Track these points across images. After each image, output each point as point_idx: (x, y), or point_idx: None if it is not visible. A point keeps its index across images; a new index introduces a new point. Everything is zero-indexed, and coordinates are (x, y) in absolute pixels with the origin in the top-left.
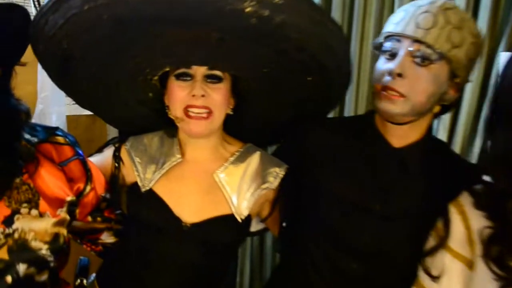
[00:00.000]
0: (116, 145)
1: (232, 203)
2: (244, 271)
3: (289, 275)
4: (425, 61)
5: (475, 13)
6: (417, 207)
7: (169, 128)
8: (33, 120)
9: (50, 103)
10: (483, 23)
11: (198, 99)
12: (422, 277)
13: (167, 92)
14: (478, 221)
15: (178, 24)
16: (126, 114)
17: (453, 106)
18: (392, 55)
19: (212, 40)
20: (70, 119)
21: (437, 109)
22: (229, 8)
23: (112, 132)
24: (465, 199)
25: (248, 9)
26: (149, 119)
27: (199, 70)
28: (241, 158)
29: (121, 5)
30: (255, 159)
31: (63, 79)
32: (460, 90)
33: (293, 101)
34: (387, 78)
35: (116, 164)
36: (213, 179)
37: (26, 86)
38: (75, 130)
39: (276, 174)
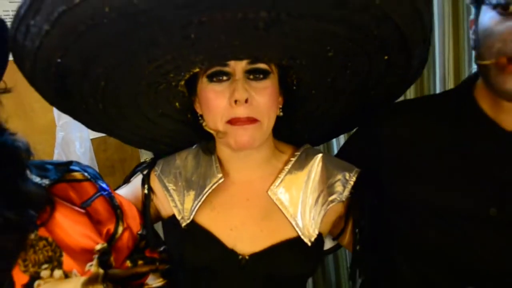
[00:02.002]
0: (144, 173)
1: (296, 224)
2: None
3: None
4: None
5: None
6: None
7: (204, 141)
8: (56, 150)
9: (71, 129)
10: None
11: (241, 106)
12: None
13: (199, 99)
14: None
15: (218, 5)
16: (147, 132)
17: None
18: (507, 9)
19: (261, 23)
20: (97, 142)
21: None
22: None
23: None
24: None
25: None
26: (176, 134)
27: (239, 66)
28: (299, 165)
29: None
30: (316, 164)
31: (63, 101)
32: None
33: (357, 88)
34: None
35: (146, 192)
36: (269, 199)
37: (46, 114)
38: (105, 152)
39: (345, 181)
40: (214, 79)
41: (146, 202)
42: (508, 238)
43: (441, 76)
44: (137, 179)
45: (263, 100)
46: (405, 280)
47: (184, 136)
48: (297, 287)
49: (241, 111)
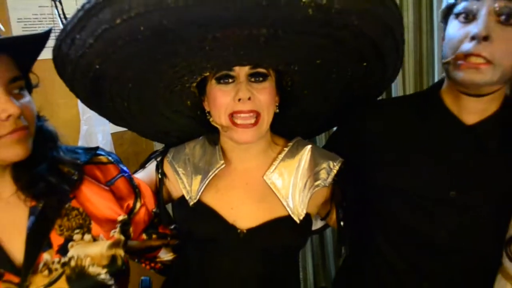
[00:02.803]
0: (158, 159)
1: (287, 204)
2: (307, 267)
3: (358, 273)
4: None
5: None
6: (500, 190)
7: (210, 134)
8: (80, 142)
9: (94, 123)
10: None
11: (245, 103)
12: (508, 265)
13: (207, 98)
14: None
15: (229, 25)
16: (162, 126)
17: None
18: (469, 17)
19: (261, 37)
20: (115, 136)
21: None
22: (285, 1)
23: (159, 143)
24: None
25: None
26: (186, 128)
27: (242, 70)
28: (291, 154)
29: (160, 13)
30: (305, 154)
31: (94, 100)
32: None
33: (342, 87)
34: (467, 45)
35: (159, 176)
36: (264, 183)
37: (69, 110)
38: (121, 146)
39: (329, 170)
40: (222, 81)
41: (159, 184)
42: (466, 218)
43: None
44: (152, 165)
45: (263, 97)
46: (384, 257)
47: (192, 130)
48: (288, 258)
49: (245, 106)
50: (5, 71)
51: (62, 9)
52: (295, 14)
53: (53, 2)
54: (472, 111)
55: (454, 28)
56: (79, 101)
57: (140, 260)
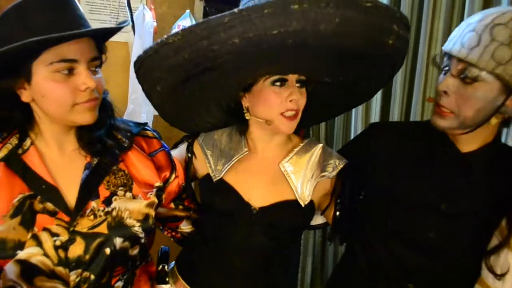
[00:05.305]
0: (189, 140)
1: (296, 190)
2: (306, 268)
3: (353, 271)
4: (469, 79)
5: None
6: (481, 207)
7: (240, 125)
8: (125, 117)
9: (140, 103)
10: None
11: (294, 103)
12: (486, 275)
13: (252, 96)
14: None
15: (291, 70)
16: (199, 119)
17: None
18: (447, 72)
19: (332, 57)
20: (155, 118)
21: (495, 121)
22: (379, 41)
23: None
24: None
25: (391, 42)
26: (216, 121)
27: (294, 77)
28: (304, 150)
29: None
30: (317, 150)
31: (177, 86)
32: None
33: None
34: (440, 94)
35: (189, 156)
36: (279, 170)
37: (117, 89)
38: (157, 128)
39: (335, 166)
40: (276, 83)
41: (188, 162)
42: (450, 225)
43: None
44: (183, 146)
45: (303, 99)
46: (376, 251)
47: (219, 122)
48: (291, 237)
49: (293, 105)
50: (88, 51)
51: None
52: (378, 51)
53: None
54: (461, 142)
55: (440, 77)
56: (130, 82)
57: (163, 228)
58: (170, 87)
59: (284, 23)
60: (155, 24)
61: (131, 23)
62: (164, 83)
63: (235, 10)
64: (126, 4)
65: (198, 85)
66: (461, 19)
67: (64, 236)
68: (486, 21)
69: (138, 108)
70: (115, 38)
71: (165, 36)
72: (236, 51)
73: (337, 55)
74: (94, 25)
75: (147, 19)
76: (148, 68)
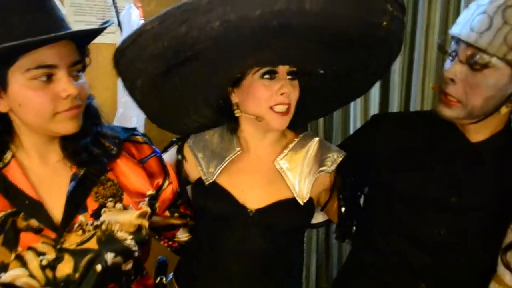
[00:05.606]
0: (179, 144)
1: (293, 187)
2: (310, 267)
3: (359, 269)
4: (478, 65)
5: None
6: (493, 200)
7: (230, 124)
8: (115, 123)
9: (130, 106)
10: None
11: (285, 96)
12: (502, 272)
13: (241, 91)
14: None
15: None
16: (188, 119)
17: None
18: (454, 57)
19: (322, 44)
20: (147, 121)
21: (505, 110)
22: (372, 22)
23: None
24: None
25: (385, 23)
26: (205, 120)
27: (284, 68)
28: (300, 145)
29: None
30: (314, 145)
31: (158, 82)
32: None
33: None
34: (446, 82)
35: (179, 159)
36: (275, 168)
37: (105, 92)
38: (149, 132)
39: (334, 159)
40: (266, 76)
41: (179, 166)
42: (462, 220)
43: None
44: (173, 149)
45: (295, 92)
46: (383, 257)
47: (209, 122)
48: (291, 238)
49: (284, 99)
50: (69, 56)
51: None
52: (375, 32)
53: None
54: (471, 131)
55: (447, 62)
56: (119, 85)
57: (160, 238)
58: (151, 80)
59: (267, 1)
60: (142, 22)
61: (117, 23)
62: (145, 75)
63: None
64: (110, 4)
65: (179, 78)
66: (459, 4)
67: (51, 255)
68: (498, 2)
69: (128, 111)
70: (101, 39)
71: (143, 23)
72: (217, 37)
73: (327, 41)
74: (80, 26)
75: (133, 17)
76: (128, 59)
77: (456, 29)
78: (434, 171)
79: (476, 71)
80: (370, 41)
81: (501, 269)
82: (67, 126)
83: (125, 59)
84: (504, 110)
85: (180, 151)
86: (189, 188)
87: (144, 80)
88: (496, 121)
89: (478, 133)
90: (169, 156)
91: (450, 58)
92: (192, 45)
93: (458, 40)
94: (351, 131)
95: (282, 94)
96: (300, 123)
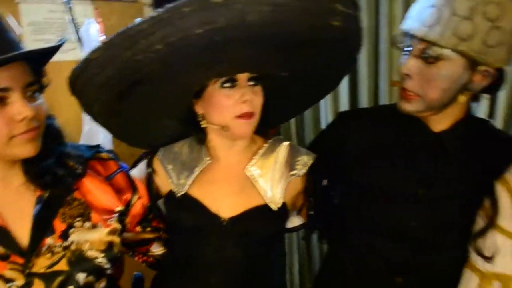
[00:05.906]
0: (149, 157)
1: (266, 194)
2: (292, 268)
3: (339, 267)
4: (431, 59)
5: None
6: (462, 189)
7: (197, 135)
8: (82, 140)
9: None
10: None
11: (248, 104)
12: (474, 258)
13: (204, 102)
14: None
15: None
16: (155, 133)
17: (494, 89)
18: (408, 53)
19: (276, 48)
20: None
21: (463, 99)
22: (322, 24)
23: None
24: None
25: (336, 23)
26: (171, 133)
27: (244, 75)
28: (270, 150)
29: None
30: (283, 149)
31: (114, 105)
32: (493, 75)
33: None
34: (403, 77)
35: (149, 172)
36: (245, 176)
37: (70, 110)
38: (118, 147)
39: (304, 162)
40: (225, 85)
41: (149, 179)
42: (433, 211)
43: None
44: (143, 163)
45: (258, 98)
46: (356, 245)
47: (176, 134)
48: (268, 244)
49: (247, 108)
50: (22, 77)
51: (73, 15)
52: (327, 34)
53: (65, 7)
54: (432, 121)
55: (402, 58)
56: None
57: (133, 254)
58: (106, 106)
59: (207, 20)
60: (103, 37)
61: (77, 39)
62: (99, 102)
63: (154, 13)
64: (69, 20)
65: (135, 101)
66: None
67: (20, 281)
68: None
69: (94, 127)
70: (62, 57)
71: (89, 51)
72: (162, 59)
73: (282, 46)
74: (39, 45)
75: (93, 33)
76: (79, 89)
77: (407, 24)
78: (401, 164)
79: (430, 64)
80: (326, 41)
81: (473, 256)
82: (25, 149)
83: (78, 88)
84: (462, 98)
85: (150, 164)
86: (161, 201)
87: (100, 106)
88: (456, 110)
89: (439, 123)
90: (139, 170)
91: (405, 53)
92: (139, 69)
93: (410, 35)
94: (323, 128)
95: (244, 102)
96: (271, 125)
